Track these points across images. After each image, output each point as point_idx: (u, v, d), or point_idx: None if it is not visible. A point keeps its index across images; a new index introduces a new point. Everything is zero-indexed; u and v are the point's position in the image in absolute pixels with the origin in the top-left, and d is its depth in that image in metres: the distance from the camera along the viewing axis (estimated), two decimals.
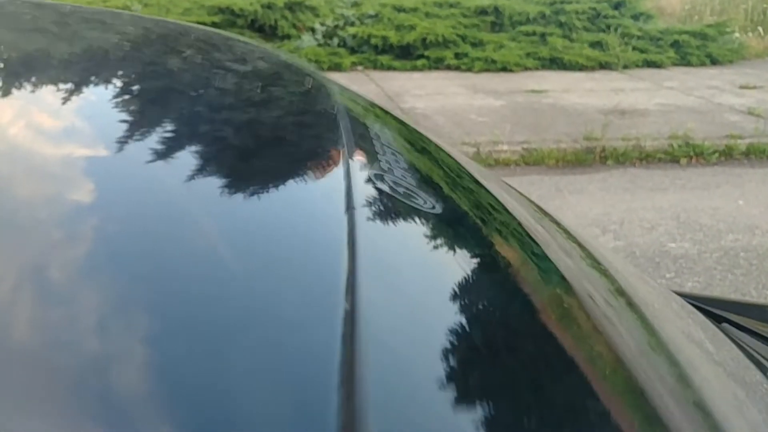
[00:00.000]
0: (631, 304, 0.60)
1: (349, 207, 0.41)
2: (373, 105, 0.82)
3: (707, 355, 0.65)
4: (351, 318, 0.30)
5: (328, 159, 0.50)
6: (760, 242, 3.22)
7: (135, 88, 0.55)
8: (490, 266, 0.47)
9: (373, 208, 0.44)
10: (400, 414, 0.27)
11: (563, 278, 0.52)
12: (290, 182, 0.45)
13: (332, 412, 0.25)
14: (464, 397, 0.30)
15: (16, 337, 0.26)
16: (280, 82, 0.69)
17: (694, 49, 7.47)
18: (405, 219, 0.45)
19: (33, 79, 0.52)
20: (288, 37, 6.74)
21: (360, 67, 6.50)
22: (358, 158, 0.52)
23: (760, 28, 8.75)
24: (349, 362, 0.27)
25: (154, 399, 0.24)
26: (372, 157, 0.55)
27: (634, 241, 3.18)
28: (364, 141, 0.59)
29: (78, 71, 0.57)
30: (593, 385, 0.39)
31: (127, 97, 0.53)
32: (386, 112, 0.82)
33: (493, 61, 6.63)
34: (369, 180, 0.48)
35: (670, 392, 0.45)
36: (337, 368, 0.27)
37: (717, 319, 0.82)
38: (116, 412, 0.23)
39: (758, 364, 0.71)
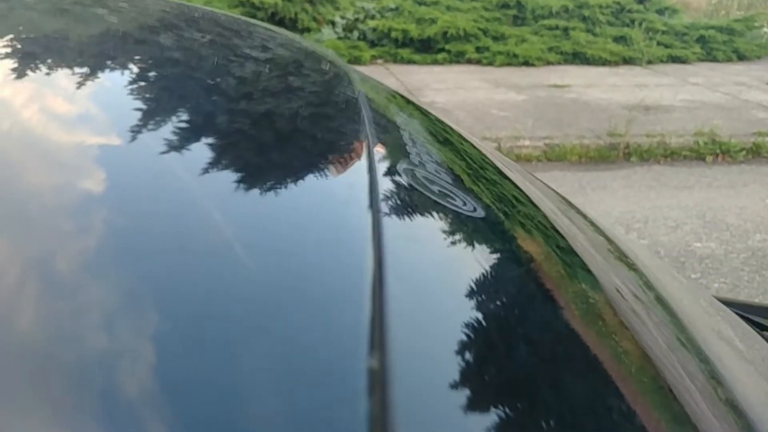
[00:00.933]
0: (659, 299, 0.59)
1: (373, 200, 0.40)
2: (395, 94, 0.80)
3: (738, 353, 0.63)
4: (379, 317, 0.29)
5: (350, 151, 0.49)
6: None
7: (152, 74, 0.54)
8: (515, 261, 0.46)
9: (397, 201, 0.43)
10: (429, 417, 0.27)
11: (590, 272, 0.51)
12: (312, 174, 0.43)
13: (361, 418, 0.24)
14: (489, 397, 0.30)
15: (25, 329, 0.25)
16: (302, 70, 0.67)
17: (721, 44, 7.38)
18: (429, 212, 0.44)
19: (48, 63, 0.51)
20: (308, 30, 6.73)
21: (380, 61, 6.49)
22: (381, 149, 0.51)
23: None
24: (378, 364, 0.27)
25: (172, 402, 0.23)
26: (395, 148, 0.54)
27: (658, 240, 3.13)
28: (386, 131, 0.58)
29: (94, 55, 0.56)
30: (620, 382, 0.38)
31: (143, 83, 0.51)
32: (408, 102, 0.80)
33: (515, 56, 6.58)
34: (392, 172, 0.47)
35: (700, 390, 0.44)
36: (366, 371, 0.26)
37: (758, 327, 0.79)
38: (135, 413, 0.23)
39: None
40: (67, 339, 0.25)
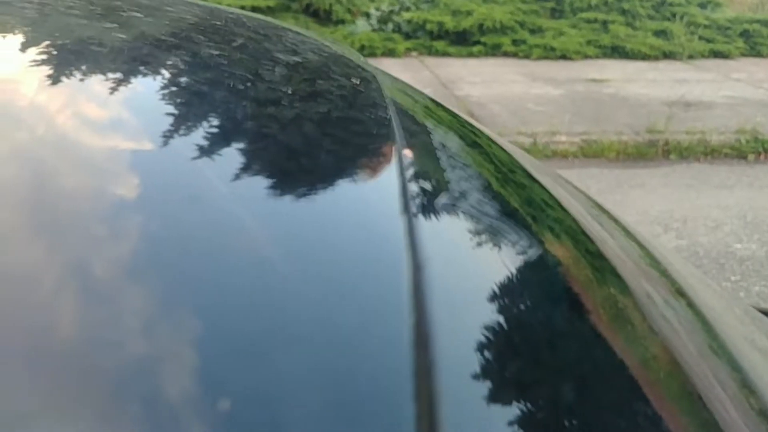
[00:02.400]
0: (691, 306, 0.58)
1: (405, 207, 0.40)
2: (423, 96, 0.80)
3: None
4: (420, 323, 0.30)
5: (380, 157, 0.49)
6: None
7: (180, 80, 0.54)
8: (545, 265, 0.46)
9: (428, 206, 0.43)
10: (471, 420, 0.27)
11: (620, 277, 0.51)
12: (342, 179, 0.43)
13: (408, 427, 0.24)
14: (520, 399, 0.30)
15: (60, 335, 0.25)
16: (330, 76, 0.67)
17: (765, 39, 7.23)
18: (459, 216, 0.44)
19: (78, 67, 0.51)
20: (342, 22, 6.75)
21: (414, 53, 6.48)
22: (411, 154, 0.51)
23: None
24: (424, 372, 0.27)
25: (210, 412, 0.23)
26: (424, 153, 0.54)
27: (697, 240, 3.08)
28: (415, 135, 0.58)
29: (124, 60, 0.56)
30: (649, 388, 0.38)
31: (172, 88, 0.52)
32: (437, 104, 0.80)
33: (552, 49, 6.53)
34: (422, 176, 0.48)
35: (732, 399, 0.44)
36: (411, 379, 0.26)
37: None
38: (172, 418, 0.23)
39: None
40: (103, 344, 0.25)
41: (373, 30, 6.68)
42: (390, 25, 6.79)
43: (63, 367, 0.24)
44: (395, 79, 0.77)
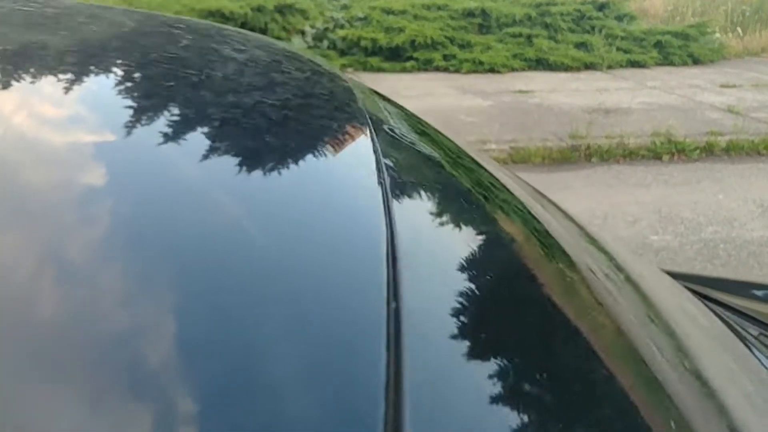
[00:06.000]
0: (629, 279, 0.61)
1: (386, 212, 0.40)
2: (378, 94, 0.81)
3: (701, 329, 0.67)
4: (396, 316, 0.30)
5: (351, 142, 0.50)
6: (739, 234, 3.31)
7: (159, 91, 0.53)
8: (501, 243, 0.48)
9: (402, 194, 0.44)
10: (442, 413, 0.27)
11: (566, 254, 0.54)
12: (316, 165, 0.44)
13: (378, 413, 0.24)
14: (500, 394, 0.30)
15: (33, 325, 0.25)
16: (302, 78, 0.67)
17: (677, 49, 7.57)
18: (429, 203, 0.47)
19: (31, 72, 0.51)
20: (278, 38, 6.72)
21: (350, 69, 6.50)
22: (385, 148, 0.51)
23: (739, 29, 8.90)
24: (394, 360, 0.27)
25: (191, 402, 0.23)
26: (396, 146, 0.55)
27: (617, 234, 3.24)
28: (387, 132, 0.58)
29: (79, 63, 0.55)
30: (598, 351, 0.40)
31: (125, 95, 0.51)
32: (391, 102, 0.82)
33: (481, 63, 6.67)
34: (395, 168, 0.48)
35: (669, 362, 0.46)
36: (383, 366, 0.27)
37: (700, 296, 0.86)
38: (144, 406, 0.23)
39: (742, 339, 0.75)
40: (81, 333, 0.25)
41: (309, 47, 6.68)
42: (325, 42, 6.82)
43: (40, 356, 0.24)
44: (365, 86, 0.79)
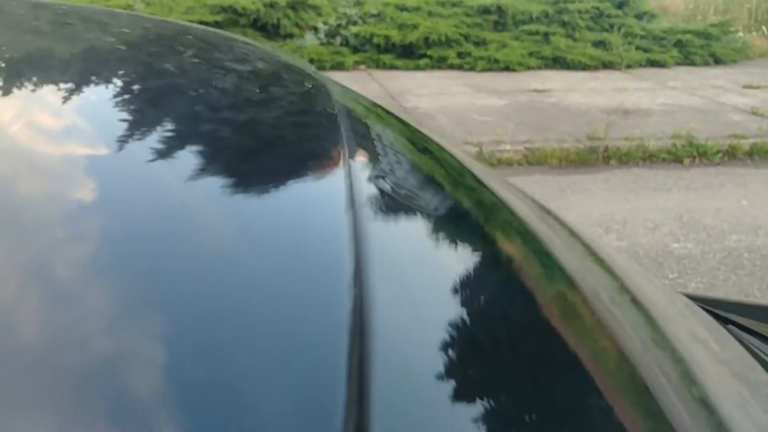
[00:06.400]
0: (635, 301, 0.60)
1: (351, 208, 0.41)
2: (374, 105, 0.82)
3: (712, 353, 0.65)
4: (358, 315, 0.30)
5: (328, 160, 0.50)
6: (764, 242, 3.21)
7: (133, 88, 0.55)
8: (492, 264, 0.47)
9: (375, 209, 0.44)
10: (407, 412, 0.27)
11: (566, 275, 0.52)
12: (291, 183, 0.44)
13: (340, 410, 0.25)
14: (468, 394, 0.30)
15: (19, 337, 0.26)
16: (280, 83, 0.69)
17: (698, 48, 7.46)
18: (407, 219, 0.45)
19: (31, 79, 0.52)
20: (291, 36, 6.73)
21: (362, 66, 6.51)
22: (359, 159, 0.52)
23: (764, 28, 8.74)
24: (358, 360, 0.27)
25: (157, 399, 0.24)
26: (373, 158, 0.55)
27: (637, 241, 3.17)
28: (365, 142, 0.59)
29: (76, 72, 0.56)
30: (596, 382, 0.39)
31: (125, 97, 0.52)
32: (388, 113, 0.81)
33: (496, 61, 6.63)
34: (370, 180, 0.48)
35: (674, 389, 0.44)
36: (345, 366, 0.27)
37: (723, 321, 0.82)
38: (120, 414, 0.23)
39: (764, 364, 0.71)
40: (61, 346, 0.25)
41: (322, 44, 6.68)
42: (338, 39, 6.80)
43: (23, 370, 0.24)
44: (345, 87, 0.78)
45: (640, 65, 7.13)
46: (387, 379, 0.28)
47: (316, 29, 6.85)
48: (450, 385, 0.30)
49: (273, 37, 6.64)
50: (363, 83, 5.70)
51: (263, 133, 0.52)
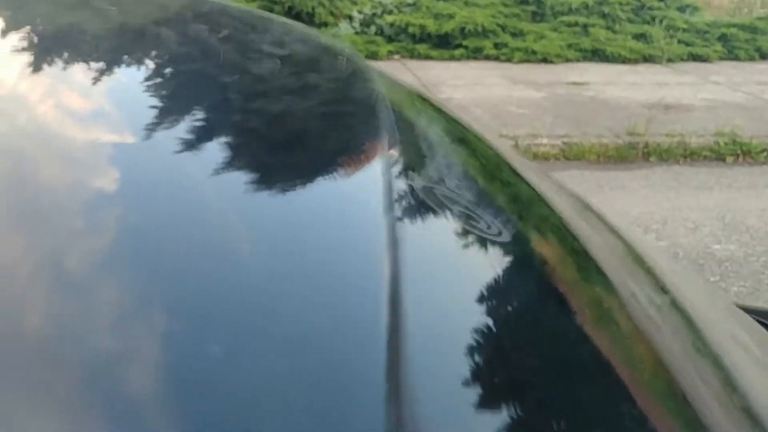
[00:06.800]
0: (675, 304, 0.58)
1: (389, 199, 0.40)
2: (411, 92, 0.80)
3: (756, 361, 0.62)
4: (395, 313, 0.29)
5: (367, 150, 0.49)
6: None
7: (165, 71, 0.53)
8: (529, 264, 0.46)
9: (412, 201, 0.43)
10: (442, 413, 0.27)
11: (604, 276, 0.51)
12: (328, 174, 0.43)
13: (376, 410, 0.24)
14: (500, 398, 0.30)
15: (35, 327, 0.25)
16: (319, 67, 0.67)
17: (743, 42, 7.27)
18: (443, 213, 0.44)
19: (62, 59, 0.51)
20: (325, 24, 6.73)
21: (397, 56, 6.47)
22: (397, 149, 0.50)
23: None
24: (394, 366, 0.27)
25: (185, 404, 0.23)
26: (411, 148, 0.54)
27: (677, 241, 3.10)
28: (405, 131, 0.58)
29: (109, 52, 0.55)
30: (633, 387, 0.38)
31: (159, 80, 0.51)
32: (425, 99, 0.80)
33: (534, 52, 6.53)
34: (408, 172, 0.48)
35: (715, 396, 0.44)
36: (383, 373, 0.26)
37: None
38: (138, 412, 0.23)
39: None
40: (81, 336, 0.25)
41: (356, 33, 6.67)
42: (373, 28, 6.78)
43: (44, 359, 0.24)
44: (384, 73, 0.77)
45: (682, 59, 6.98)
46: (422, 378, 0.27)
47: (350, 18, 6.84)
48: (482, 386, 0.30)
49: (307, 25, 6.64)
50: (397, 73, 5.62)
51: (300, 121, 0.50)
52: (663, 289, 0.60)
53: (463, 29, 6.62)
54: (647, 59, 6.87)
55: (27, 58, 0.50)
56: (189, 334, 0.26)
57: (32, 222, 0.31)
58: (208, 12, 0.74)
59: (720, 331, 0.62)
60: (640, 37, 7.11)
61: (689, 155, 4.29)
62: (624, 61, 6.74)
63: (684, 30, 7.28)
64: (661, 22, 7.27)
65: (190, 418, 0.23)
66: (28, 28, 0.56)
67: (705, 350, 0.52)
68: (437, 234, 0.42)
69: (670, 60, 6.91)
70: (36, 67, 0.48)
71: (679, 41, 7.13)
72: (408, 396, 0.26)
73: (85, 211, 0.33)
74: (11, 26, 0.57)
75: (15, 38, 0.53)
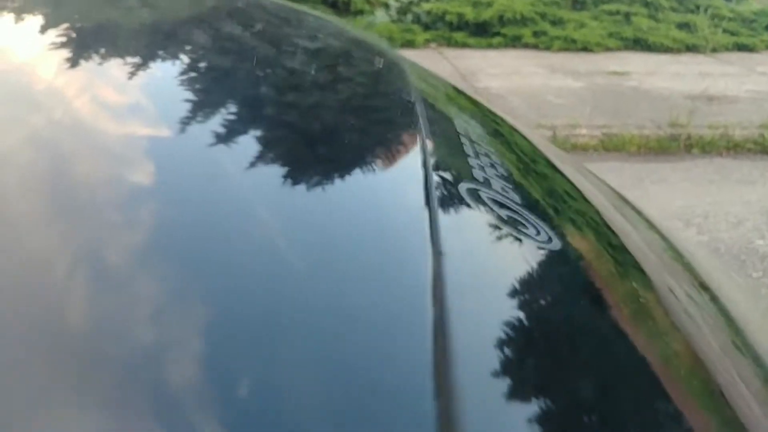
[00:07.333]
0: (714, 300, 0.57)
1: (427, 195, 0.39)
2: (450, 86, 0.80)
3: None
4: (439, 311, 0.29)
5: (404, 145, 0.49)
6: None
7: (203, 65, 0.54)
8: (566, 258, 0.45)
9: (451, 196, 0.43)
10: (487, 410, 0.27)
11: (642, 271, 0.51)
12: (363, 168, 0.43)
13: (427, 417, 0.24)
14: (542, 394, 0.30)
15: (71, 319, 0.25)
16: (353, 62, 0.67)
17: None
18: (480, 206, 0.44)
19: (98, 54, 0.51)
20: (361, 12, 6.71)
21: (433, 45, 6.42)
22: (433, 142, 0.50)
23: None
24: (440, 363, 0.27)
25: (219, 398, 0.23)
26: (447, 142, 0.54)
27: (718, 236, 3.04)
28: (441, 126, 0.58)
29: (140, 45, 0.56)
30: (670, 384, 0.38)
31: (194, 74, 0.51)
32: (459, 92, 0.80)
33: (573, 41, 6.44)
34: (443, 165, 0.47)
35: (754, 395, 0.43)
36: (429, 370, 0.26)
37: None
38: (178, 406, 0.23)
39: None
40: (117, 329, 0.25)
41: (392, 21, 6.63)
42: (409, 16, 6.74)
43: (80, 350, 0.24)
44: (419, 66, 0.76)
45: (727, 49, 6.81)
46: (466, 375, 0.27)
47: (387, 5, 6.82)
48: (522, 382, 0.30)
49: (343, 13, 6.64)
50: (433, 62, 5.64)
51: (334, 116, 0.50)
52: (703, 286, 0.59)
53: (501, 17, 6.54)
54: (690, 49, 6.72)
55: (65, 53, 0.50)
56: (229, 329, 0.26)
57: (72, 216, 0.31)
58: (243, 7, 0.75)
59: (761, 329, 0.61)
60: (683, 26, 6.97)
61: (732, 148, 4.20)
62: (666, 50, 6.60)
63: (729, 19, 7.11)
64: (705, 10, 7.11)
65: (231, 412, 0.22)
66: (65, 23, 0.57)
67: (745, 348, 0.51)
68: (474, 227, 0.42)
69: (714, 50, 6.75)
70: (73, 61, 0.48)
71: (724, 30, 6.97)
72: (453, 393, 0.26)
73: (125, 205, 0.33)
74: (51, 22, 0.57)
75: (54, 33, 0.54)
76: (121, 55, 0.52)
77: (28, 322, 0.25)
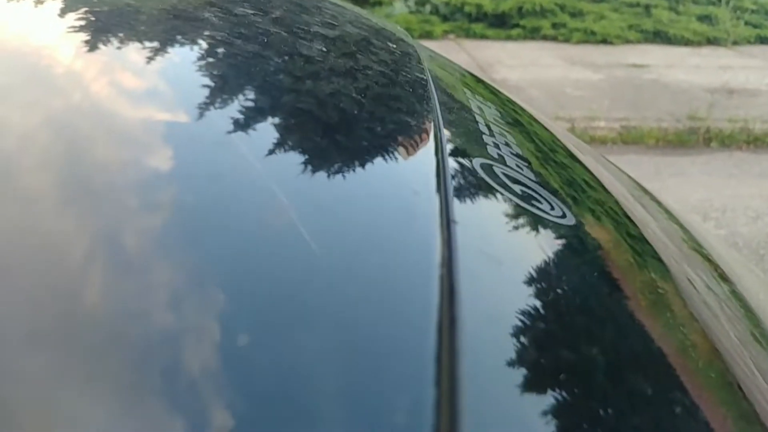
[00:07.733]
0: (734, 293, 0.57)
1: (441, 186, 0.39)
2: (464, 72, 0.79)
3: None
4: (447, 306, 0.29)
5: (419, 133, 0.48)
6: None
7: (221, 51, 0.53)
8: (584, 248, 0.45)
9: (466, 185, 0.43)
10: (497, 409, 0.26)
11: (661, 262, 0.50)
12: (380, 158, 0.43)
13: (430, 415, 0.24)
14: (557, 386, 0.29)
15: (88, 307, 0.25)
16: (370, 49, 0.66)
17: None
18: (497, 197, 0.44)
19: (116, 38, 0.51)
20: (379, 3, 6.69)
21: (452, 36, 6.39)
22: (450, 131, 0.50)
23: None
24: (448, 353, 0.26)
25: (234, 383, 0.23)
26: (464, 130, 0.53)
27: (737, 230, 3.02)
28: (455, 112, 0.57)
29: (155, 31, 0.56)
30: (687, 376, 0.37)
31: (212, 60, 0.51)
32: (478, 80, 0.79)
33: (593, 33, 6.38)
34: (461, 155, 0.47)
35: None
36: (435, 361, 0.26)
37: None
38: (196, 391, 0.23)
39: None
40: (133, 317, 0.25)
41: (411, 12, 6.60)
42: (428, 7, 6.70)
43: (93, 337, 0.24)
44: (437, 54, 0.76)
45: (749, 42, 6.71)
46: (478, 366, 0.27)
47: None
48: (536, 373, 0.29)
49: (361, 4, 6.61)
50: (452, 53, 5.61)
51: (352, 103, 0.50)
52: (721, 277, 0.59)
53: (520, 9, 6.51)
54: (711, 42, 6.63)
55: (84, 36, 0.51)
56: (245, 315, 0.26)
57: (90, 199, 0.31)
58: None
59: None
60: (704, 18, 6.88)
61: (752, 141, 4.16)
62: (687, 43, 6.53)
63: (752, 11, 7.02)
64: (727, 3, 7.03)
65: (247, 398, 0.23)
66: (84, 7, 0.57)
67: (765, 341, 0.51)
68: (490, 217, 0.42)
69: (735, 42, 6.66)
70: (92, 46, 0.49)
71: (746, 23, 6.88)
72: (464, 386, 0.26)
73: (142, 189, 0.33)
74: (68, 6, 0.58)
75: (73, 17, 0.54)
76: (138, 40, 0.52)
77: (45, 303, 0.25)
